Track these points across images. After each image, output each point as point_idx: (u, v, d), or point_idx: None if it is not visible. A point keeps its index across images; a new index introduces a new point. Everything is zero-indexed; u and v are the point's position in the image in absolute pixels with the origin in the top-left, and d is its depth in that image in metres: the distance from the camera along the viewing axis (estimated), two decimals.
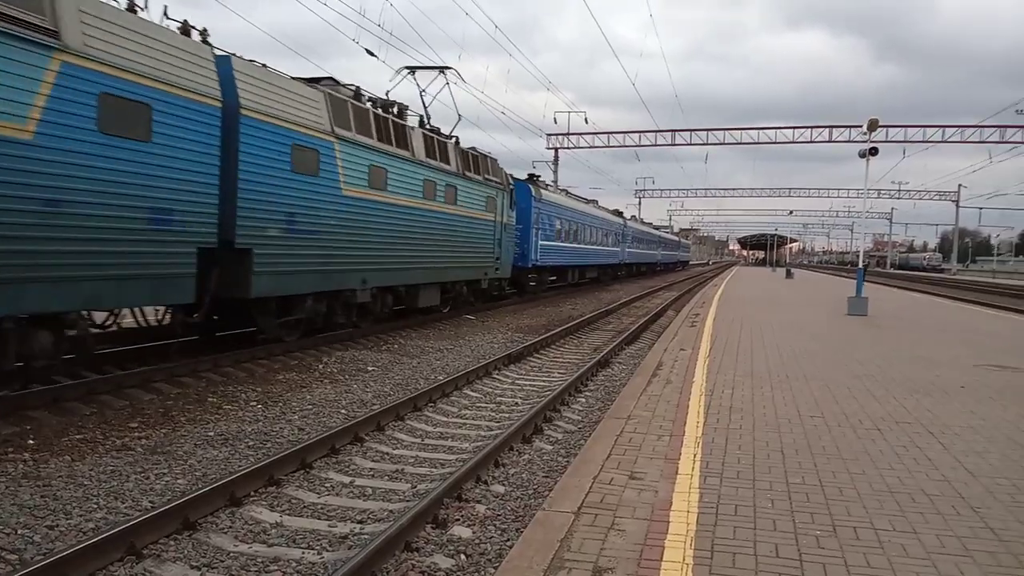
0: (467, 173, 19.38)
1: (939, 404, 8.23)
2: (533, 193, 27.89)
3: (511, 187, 23.89)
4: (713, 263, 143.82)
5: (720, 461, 5.80)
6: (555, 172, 50.65)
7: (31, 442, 7.11)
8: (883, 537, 4.31)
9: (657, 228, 77.39)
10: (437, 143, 17.67)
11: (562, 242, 32.09)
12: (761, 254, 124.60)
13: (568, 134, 51.37)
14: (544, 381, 11.79)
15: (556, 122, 62.28)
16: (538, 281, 29.81)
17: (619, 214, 49.58)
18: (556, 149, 51.99)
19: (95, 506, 5.57)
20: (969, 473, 5.64)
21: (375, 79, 56.24)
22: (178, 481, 6.26)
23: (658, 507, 4.74)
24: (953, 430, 7.02)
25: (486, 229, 21.07)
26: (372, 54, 17.93)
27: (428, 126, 18.10)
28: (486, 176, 20.98)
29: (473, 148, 20.50)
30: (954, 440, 6.64)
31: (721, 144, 52.02)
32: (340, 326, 14.41)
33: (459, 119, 20.57)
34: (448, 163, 18.17)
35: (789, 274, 53.68)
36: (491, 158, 21.62)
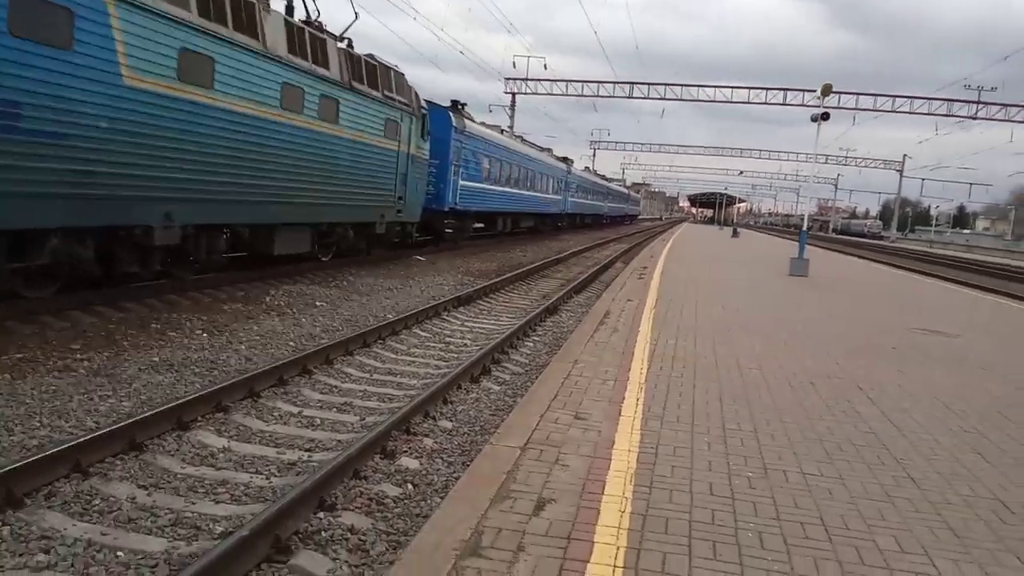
0: (357, 85, 15.09)
1: (871, 363, 8.60)
2: (454, 123, 23.02)
3: (424, 112, 19.28)
4: (665, 219, 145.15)
5: (662, 406, 6.01)
6: (511, 117, 50.23)
7: None
8: (811, 481, 4.57)
9: (608, 180, 76.40)
10: (310, 38, 13.27)
11: (491, 184, 27.56)
12: (710, 212, 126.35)
13: (527, 79, 50.84)
14: (493, 324, 11.91)
15: (515, 66, 61.47)
16: (458, 228, 25.16)
17: (566, 161, 46.83)
18: (514, 94, 51.45)
19: (38, 424, 5.52)
20: (895, 427, 5.96)
21: (331, 16, 54.48)
22: (123, 404, 6.22)
23: (601, 445, 4.91)
24: (882, 388, 7.37)
25: (384, 160, 16.77)
26: None
27: (305, 20, 13.87)
28: (387, 93, 16.62)
29: (371, 55, 16.25)
30: (882, 397, 6.98)
31: (679, 100, 52.16)
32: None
33: (356, 18, 16.21)
34: (327, 68, 13.85)
35: (735, 233, 54.65)
36: (396, 71, 17.17)
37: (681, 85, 51.90)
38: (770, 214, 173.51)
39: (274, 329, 9.75)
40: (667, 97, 51.84)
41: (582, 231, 52.74)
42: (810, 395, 6.81)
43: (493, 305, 14.06)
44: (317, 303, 12.03)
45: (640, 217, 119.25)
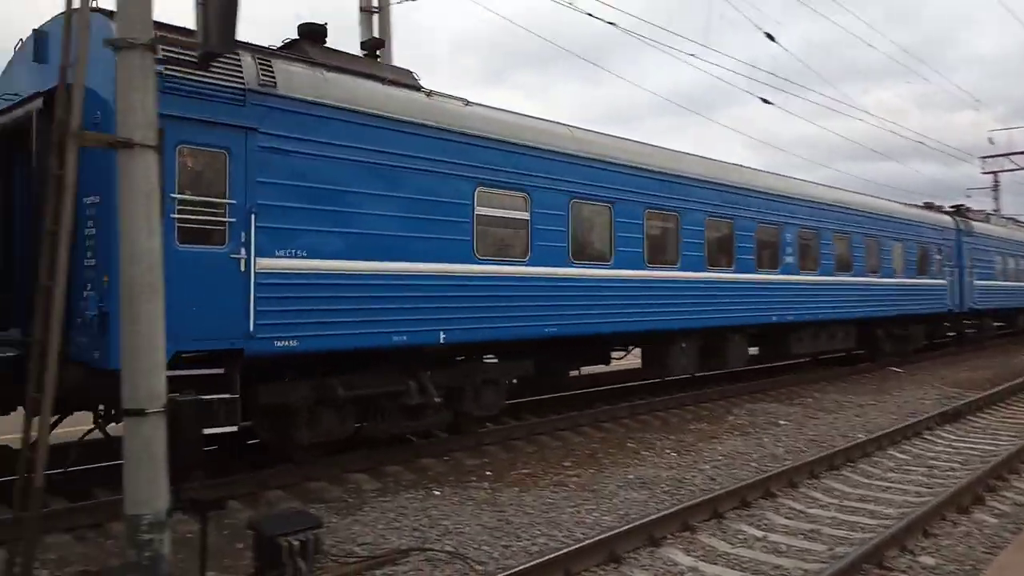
0: None
1: None
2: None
3: None
4: None
5: None
6: (996, 200, 43.89)
7: (488, 473, 8.53)
8: None
9: None
10: None
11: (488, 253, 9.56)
12: None
13: (1009, 155, 44.23)
14: (989, 444, 10.39)
15: (992, 143, 53.83)
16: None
17: (960, 214, 23.91)
18: (995, 173, 45.08)
19: (538, 532, 6.52)
20: None
21: (771, 126, 55.21)
22: (604, 518, 6.98)
23: None
24: None
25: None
26: (767, 102, 17.82)
27: None
28: None
29: None
30: None
31: None
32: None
33: None
34: None
35: None
36: None
37: None
38: None
39: (736, 449, 9.94)
40: None
41: None
42: None
43: (989, 421, 12.26)
44: (780, 422, 11.92)
45: None
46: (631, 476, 8.48)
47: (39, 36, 7.08)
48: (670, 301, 11.82)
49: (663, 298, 11.66)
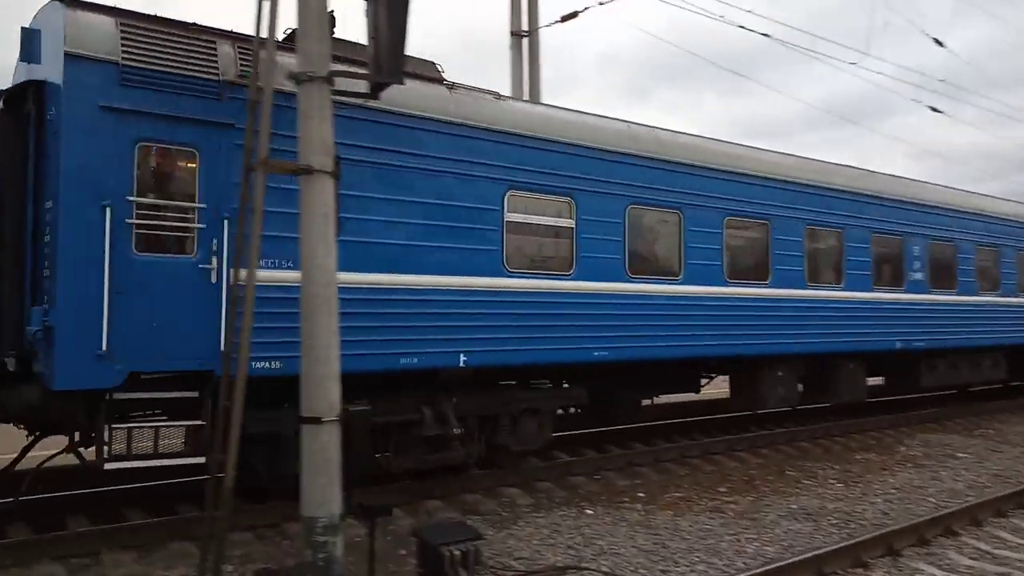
0: None
1: None
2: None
3: None
4: None
5: None
6: None
7: (640, 495, 8.39)
8: None
9: None
10: None
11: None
12: None
13: None
14: None
15: None
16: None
17: None
18: None
19: (696, 559, 6.33)
20: None
21: (938, 136, 51.02)
22: (766, 548, 6.67)
23: None
24: None
25: None
26: (936, 110, 16.64)
27: None
28: None
29: None
30: None
31: None
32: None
33: None
34: None
35: None
36: None
37: None
38: None
39: (910, 482, 9.26)
40: None
41: None
42: None
43: None
44: (959, 454, 11.01)
45: None
46: (793, 506, 8.08)
47: (26, 34, 6.75)
48: (758, 322, 10.19)
49: (748, 318, 10.08)
